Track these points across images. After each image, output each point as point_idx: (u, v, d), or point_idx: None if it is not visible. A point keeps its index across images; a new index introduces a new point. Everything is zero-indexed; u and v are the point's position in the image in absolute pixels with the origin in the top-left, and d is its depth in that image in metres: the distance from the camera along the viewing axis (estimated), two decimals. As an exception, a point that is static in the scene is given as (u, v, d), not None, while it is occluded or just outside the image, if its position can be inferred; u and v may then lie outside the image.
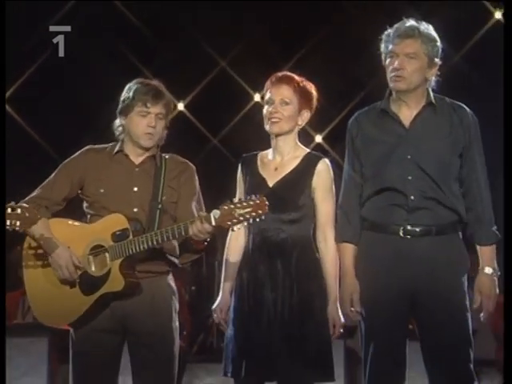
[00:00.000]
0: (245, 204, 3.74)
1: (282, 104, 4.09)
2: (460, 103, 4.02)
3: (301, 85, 4.13)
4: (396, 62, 3.91)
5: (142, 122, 4.01)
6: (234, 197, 4.06)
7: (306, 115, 4.15)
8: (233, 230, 3.90)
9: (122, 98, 4.07)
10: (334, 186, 4.12)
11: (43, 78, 8.97)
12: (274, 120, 4.08)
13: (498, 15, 9.17)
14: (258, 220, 3.75)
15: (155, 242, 3.85)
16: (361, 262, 3.99)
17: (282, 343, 3.98)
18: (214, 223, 3.77)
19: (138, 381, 4.00)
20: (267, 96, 4.12)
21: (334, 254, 4.08)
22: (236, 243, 4.13)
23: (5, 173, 3.94)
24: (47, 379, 6.83)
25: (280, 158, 4.14)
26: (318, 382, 4.09)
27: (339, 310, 4.04)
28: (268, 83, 4.14)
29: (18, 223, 3.76)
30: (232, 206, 3.75)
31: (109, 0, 8.90)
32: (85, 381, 4.00)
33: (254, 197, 3.76)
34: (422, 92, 3.98)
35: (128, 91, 4.06)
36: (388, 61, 3.95)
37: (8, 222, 3.76)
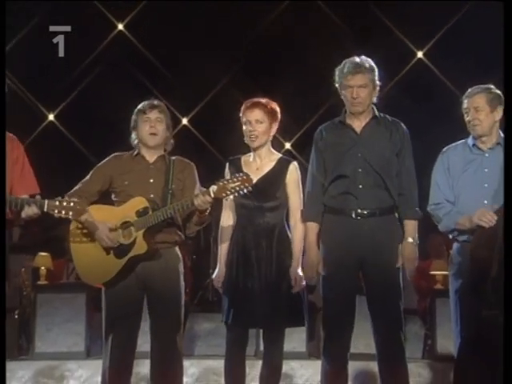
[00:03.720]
0: (235, 179, 3.79)
1: (257, 124, 4.07)
2: (397, 119, 4.08)
3: (268, 106, 4.12)
4: (354, 93, 3.95)
5: (145, 127, 4.05)
6: None
7: (274, 128, 4.14)
8: (226, 200, 3.92)
9: (133, 118, 4.11)
10: (300, 182, 4.13)
11: (82, 98, 8.97)
12: (252, 138, 4.08)
13: (420, 54, 9.20)
14: (245, 191, 3.79)
15: (169, 214, 3.88)
16: (323, 237, 4.01)
17: (265, 299, 3.98)
18: (212, 195, 3.81)
19: (155, 326, 3.99)
20: (244, 118, 4.10)
21: (301, 232, 4.08)
22: (227, 225, 4.12)
23: (5, 173, 3.77)
24: (85, 324, 6.80)
25: (259, 161, 4.12)
26: (292, 327, 4.13)
27: (299, 270, 4.05)
28: (243, 108, 4.13)
29: (70, 213, 3.69)
30: (225, 182, 3.80)
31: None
32: (116, 326, 3.98)
33: (241, 173, 3.82)
34: (369, 108, 4.01)
35: (134, 112, 4.11)
36: (345, 91, 3.98)
37: (63, 212, 3.67)
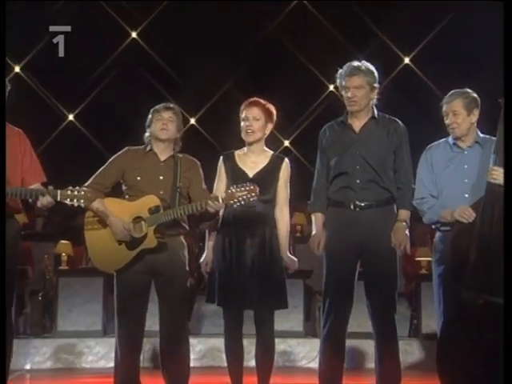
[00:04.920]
0: (242, 189, 3.75)
1: (254, 120, 4.05)
2: (395, 118, 4.05)
3: (266, 106, 4.08)
4: (349, 93, 3.93)
5: (158, 124, 4.01)
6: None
7: (269, 127, 4.10)
8: (234, 207, 3.86)
9: (148, 117, 4.08)
10: (289, 178, 4.10)
11: (99, 100, 9.00)
12: (249, 132, 4.05)
13: (407, 60, 9.20)
14: (251, 200, 3.76)
15: (179, 215, 3.87)
16: (327, 227, 3.99)
17: (256, 283, 3.96)
18: (221, 201, 3.79)
19: (163, 307, 3.98)
20: (243, 114, 4.07)
21: (287, 223, 4.08)
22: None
23: (5, 172, 3.69)
24: (102, 305, 6.82)
25: (254, 157, 4.08)
26: (278, 309, 4.06)
27: (290, 256, 4.06)
28: (243, 105, 4.10)
29: (82, 201, 3.67)
30: (233, 190, 3.76)
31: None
32: (125, 307, 3.96)
33: (248, 183, 3.77)
34: (368, 109, 3.99)
35: (151, 112, 4.08)
36: (344, 92, 3.96)
37: (75, 200, 3.65)
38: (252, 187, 3.74)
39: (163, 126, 3.99)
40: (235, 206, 3.81)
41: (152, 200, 3.90)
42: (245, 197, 3.74)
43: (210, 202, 3.78)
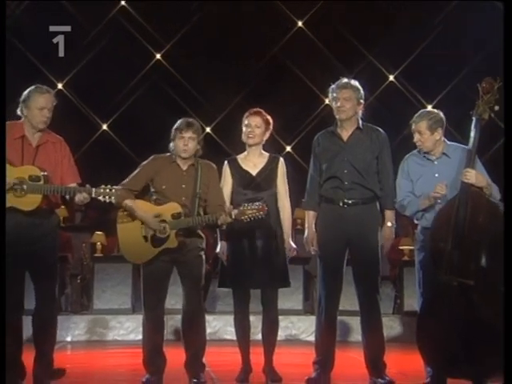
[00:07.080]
0: (253, 207, 3.78)
1: (255, 127, 4.08)
2: (377, 127, 4.05)
3: (266, 117, 4.12)
4: (339, 103, 3.94)
5: (180, 143, 3.97)
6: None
7: (267, 134, 4.14)
8: (245, 221, 3.85)
9: (172, 132, 4.03)
10: (286, 174, 4.13)
11: (130, 111, 9.02)
12: (250, 136, 4.09)
13: (391, 78, 9.19)
14: (259, 217, 3.78)
15: (196, 224, 3.88)
16: (319, 221, 4.00)
17: (263, 265, 3.99)
18: (233, 217, 3.80)
19: (185, 287, 4.00)
20: (246, 122, 4.10)
21: (289, 213, 4.11)
22: None
23: (5, 174, 3.62)
24: (131, 287, 6.85)
25: (254, 159, 4.11)
26: (282, 287, 4.10)
27: (291, 241, 4.08)
28: (247, 114, 4.13)
29: (113, 198, 3.69)
30: (245, 208, 3.78)
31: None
32: (151, 289, 3.98)
33: (258, 203, 3.80)
34: (354, 120, 3.99)
35: (174, 127, 4.04)
36: (334, 102, 3.97)
37: (107, 197, 3.66)
38: (261, 206, 3.76)
39: (184, 146, 3.96)
40: (245, 221, 3.81)
41: (175, 207, 3.89)
42: (254, 214, 3.76)
43: (222, 216, 3.80)
